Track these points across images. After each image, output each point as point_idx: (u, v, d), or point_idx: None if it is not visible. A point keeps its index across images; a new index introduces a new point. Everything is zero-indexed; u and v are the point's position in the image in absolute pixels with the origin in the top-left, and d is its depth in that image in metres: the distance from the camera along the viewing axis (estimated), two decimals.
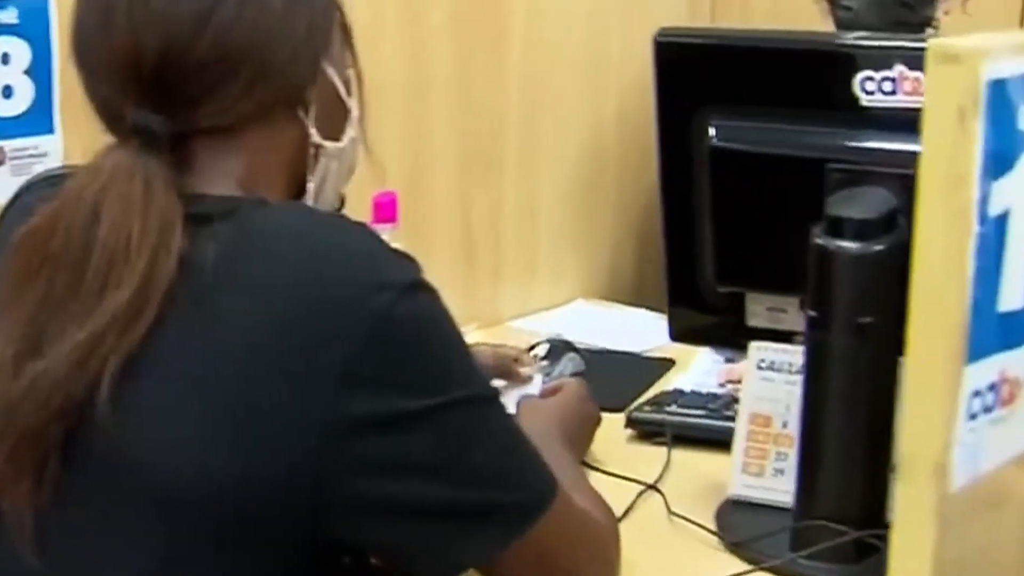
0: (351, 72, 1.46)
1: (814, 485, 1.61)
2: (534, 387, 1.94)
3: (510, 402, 1.84)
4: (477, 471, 1.28)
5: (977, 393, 1.01)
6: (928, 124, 0.95)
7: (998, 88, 0.96)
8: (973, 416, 1.01)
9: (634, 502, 1.80)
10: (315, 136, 1.40)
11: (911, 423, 0.99)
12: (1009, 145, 0.98)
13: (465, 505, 1.27)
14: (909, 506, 1.00)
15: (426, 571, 1.32)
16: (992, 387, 1.02)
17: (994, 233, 0.98)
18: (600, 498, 1.56)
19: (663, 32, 1.83)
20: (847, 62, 1.68)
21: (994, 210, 0.98)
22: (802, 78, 1.75)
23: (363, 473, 1.23)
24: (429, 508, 1.26)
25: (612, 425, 1.99)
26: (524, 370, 1.98)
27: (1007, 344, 1.03)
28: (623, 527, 1.69)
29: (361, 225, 1.33)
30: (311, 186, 1.43)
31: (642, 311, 2.54)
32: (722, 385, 2.10)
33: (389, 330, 1.24)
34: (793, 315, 1.75)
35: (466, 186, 2.48)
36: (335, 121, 1.44)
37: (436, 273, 2.36)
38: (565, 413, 1.78)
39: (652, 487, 1.83)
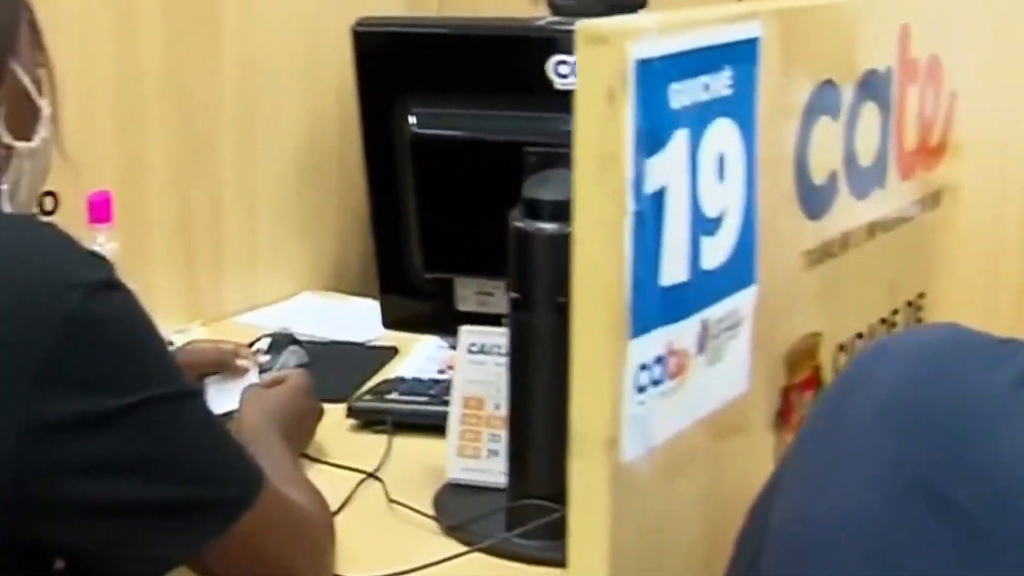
0: (42, 71, 1.44)
1: (524, 464, 1.63)
2: (252, 379, 1.93)
3: (232, 395, 1.83)
4: (179, 468, 1.29)
5: (644, 367, 1.03)
6: (579, 105, 0.96)
7: (646, 68, 0.98)
8: (642, 389, 1.03)
9: (354, 491, 1.80)
10: (5, 136, 1.39)
11: (579, 400, 1.01)
12: (660, 123, 1.00)
13: (169, 502, 1.28)
14: (583, 481, 1.02)
15: (134, 570, 1.31)
16: (659, 360, 1.04)
17: (651, 210, 1.00)
18: (314, 490, 1.56)
19: (361, 22, 1.83)
20: (541, 46, 1.70)
21: (649, 187, 1.00)
22: (499, 63, 1.76)
23: (64, 474, 1.22)
24: (133, 507, 1.26)
25: (335, 415, 1.99)
26: (240, 363, 1.96)
27: (672, 317, 1.05)
28: (343, 517, 1.70)
29: (50, 225, 1.32)
30: (4, 187, 1.41)
31: (368, 301, 2.53)
32: (442, 371, 2.12)
33: (81, 330, 1.23)
34: (500, 298, 1.76)
35: (183, 181, 2.44)
36: (27, 121, 1.42)
37: (156, 271, 2.37)
38: (285, 406, 1.78)
39: (372, 475, 1.84)
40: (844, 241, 1.30)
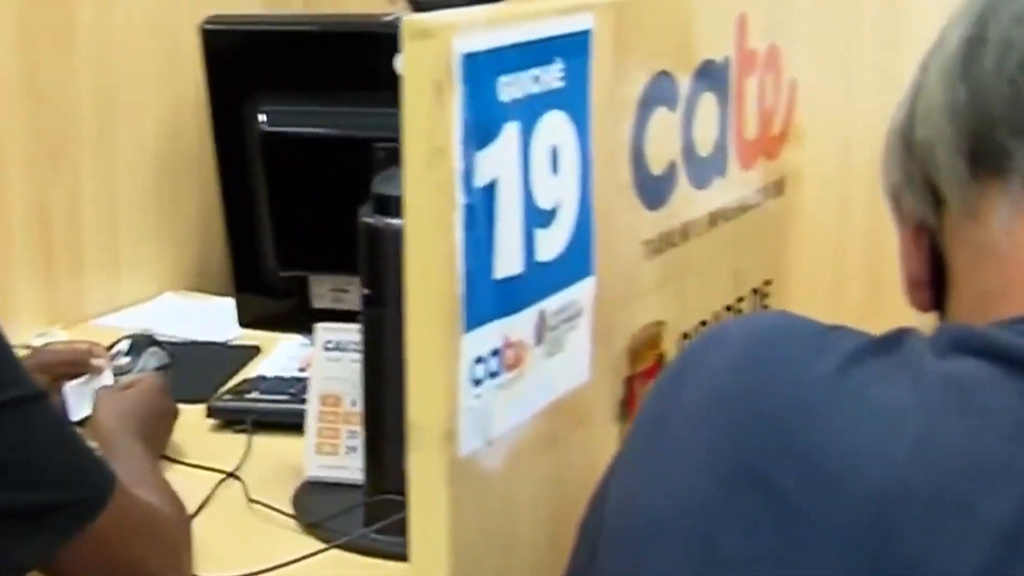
0: None
1: (380, 460, 1.63)
2: (107, 379, 1.91)
3: (86, 396, 1.81)
4: (31, 472, 1.28)
5: (480, 359, 1.03)
6: (407, 99, 0.97)
7: (472, 61, 0.98)
8: (478, 382, 1.03)
9: (213, 491, 1.79)
10: None
11: (416, 394, 1.01)
12: (490, 117, 1.00)
13: (22, 507, 1.27)
14: (421, 475, 1.02)
15: None
16: (495, 352, 1.05)
17: (482, 203, 1.00)
18: (170, 491, 1.55)
19: (210, 20, 1.82)
20: (389, 42, 1.69)
21: (480, 181, 1.00)
22: (347, 60, 1.76)
23: None
24: None
25: (195, 416, 1.98)
26: (95, 362, 1.94)
27: (507, 310, 1.05)
28: (202, 517, 1.69)
29: None
30: None
31: (231, 300, 2.51)
32: (303, 369, 2.11)
33: None
34: (355, 295, 1.76)
35: (41, 182, 2.41)
36: None
37: (14, 274, 2.34)
38: (140, 407, 1.77)
39: (231, 475, 1.83)
40: (685, 231, 1.31)
